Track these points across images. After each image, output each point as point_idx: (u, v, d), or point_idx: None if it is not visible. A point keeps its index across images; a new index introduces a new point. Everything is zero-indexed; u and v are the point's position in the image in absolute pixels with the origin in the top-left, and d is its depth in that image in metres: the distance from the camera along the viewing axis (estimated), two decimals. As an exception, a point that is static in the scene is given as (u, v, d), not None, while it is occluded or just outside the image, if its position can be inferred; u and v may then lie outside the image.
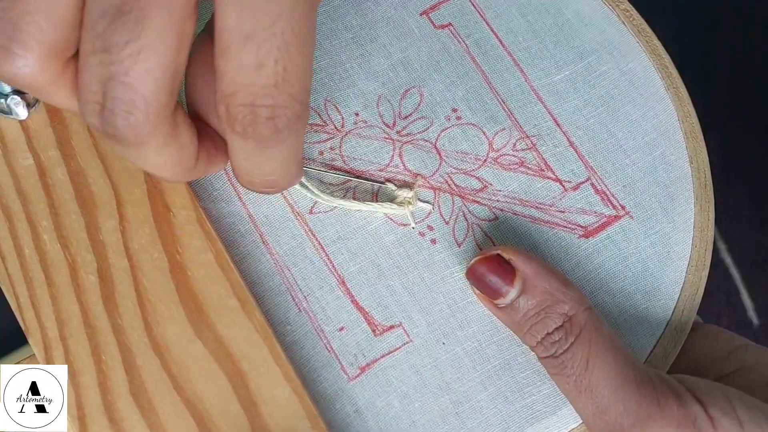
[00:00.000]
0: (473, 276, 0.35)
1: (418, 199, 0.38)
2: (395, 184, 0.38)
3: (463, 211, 0.37)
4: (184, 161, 0.28)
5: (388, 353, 0.35)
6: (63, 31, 0.25)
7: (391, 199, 0.37)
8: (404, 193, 0.37)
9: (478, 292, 0.35)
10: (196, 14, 0.26)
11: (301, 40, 0.26)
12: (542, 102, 0.39)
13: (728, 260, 0.72)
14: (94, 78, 0.25)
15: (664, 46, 0.40)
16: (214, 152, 0.30)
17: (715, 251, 0.71)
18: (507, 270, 0.34)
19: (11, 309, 0.34)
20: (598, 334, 0.33)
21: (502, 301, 0.34)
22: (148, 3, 0.24)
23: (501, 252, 0.34)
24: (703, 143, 0.39)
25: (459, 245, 0.37)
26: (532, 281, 0.34)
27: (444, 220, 0.37)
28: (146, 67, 0.24)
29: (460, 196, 0.38)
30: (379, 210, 0.37)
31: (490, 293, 0.34)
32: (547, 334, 0.33)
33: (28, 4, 0.25)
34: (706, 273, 0.37)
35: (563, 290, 0.33)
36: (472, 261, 0.35)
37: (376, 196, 0.38)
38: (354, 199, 0.37)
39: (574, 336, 0.33)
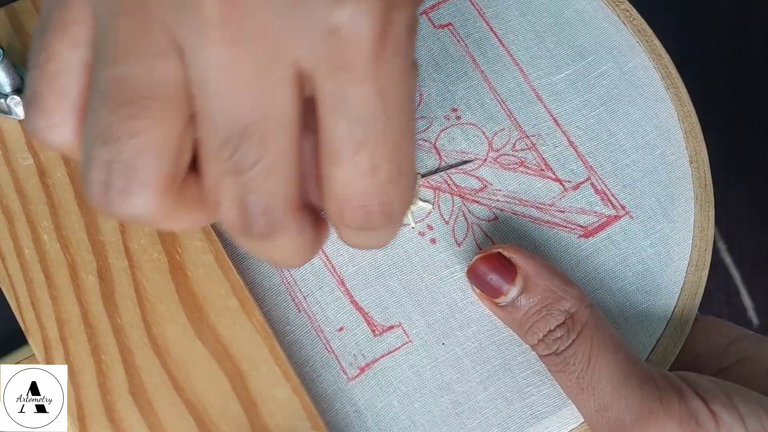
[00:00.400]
0: (474, 275, 0.35)
1: (419, 199, 0.38)
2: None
3: (463, 211, 0.37)
4: (312, 245, 0.29)
5: (388, 353, 0.35)
6: (176, 161, 0.25)
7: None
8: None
9: (478, 291, 0.35)
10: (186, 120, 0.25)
11: (408, 138, 0.26)
12: (542, 102, 0.39)
13: (728, 260, 0.72)
14: (229, 195, 0.25)
15: (664, 45, 0.40)
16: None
17: (715, 251, 0.71)
18: (508, 268, 0.34)
19: (11, 309, 0.34)
20: (599, 331, 0.33)
21: (503, 300, 0.34)
22: (265, 125, 0.24)
23: (502, 250, 0.34)
24: (703, 143, 0.39)
25: (459, 245, 0.37)
26: (533, 279, 0.34)
27: (444, 219, 0.37)
28: (276, 179, 0.25)
29: (459, 195, 0.38)
30: None
31: (491, 292, 0.34)
32: (549, 331, 0.33)
33: (140, 141, 0.25)
34: (706, 273, 0.37)
35: (565, 288, 0.34)
36: (473, 259, 0.35)
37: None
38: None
39: (576, 333, 0.33)
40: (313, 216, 0.29)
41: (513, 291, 0.34)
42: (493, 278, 0.34)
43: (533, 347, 0.34)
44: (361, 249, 0.32)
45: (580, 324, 0.33)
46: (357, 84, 0.24)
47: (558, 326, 0.33)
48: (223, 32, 0.23)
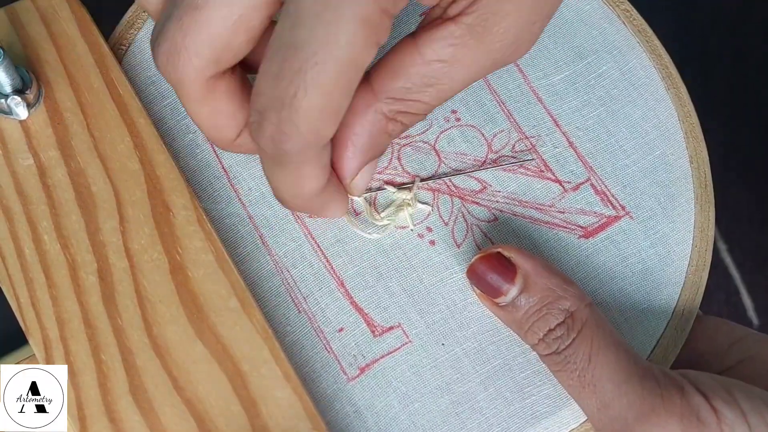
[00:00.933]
0: (473, 274, 0.35)
1: (418, 201, 0.38)
2: (394, 186, 0.38)
3: (462, 212, 0.37)
4: (220, 129, 0.32)
5: (388, 354, 0.35)
6: (230, 47, 0.29)
7: (390, 202, 0.37)
8: (403, 195, 0.37)
9: (478, 291, 0.35)
10: (364, 67, 0.28)
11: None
12: (542, 102, 0.39)
13: (728, 260, 0.72)
14: (265, 95, 0.28)
15: (664, 45, 0.40)
16: (335, 193, 0.34)
17: (715, 251, 0.71)
18: (508, 268, 0.34)
19: (11, 309, 0.34)
20: (599, 329, 0.33)
21: (502, 300, 0.34)
22: (322, 49, 0.26)
23: (501, 250, 0.34)
24: (703, 143, 0.39)
25: (458, 246, 0.37)
26: (533, 278, 0.34)
27: (443, 221, 0.37)
28: (305, 111, 0.27)
29: (459, 197, 0.38)
30: (388, 222, 0.37)
31: (490, 292, 0.35)
32: (549, 330, 0.33)
33: (208, 17, 0.28)
34: (706, 273, 0.37)
35: (564, 287, 0.34)
36: (473, 259, 0.35)
37: (375, 198, 0.38)
38: (352, 201, 0.37)
39: (576, 331, 0.33)
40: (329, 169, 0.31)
41: (513, 290, 0.34)
42: (493, 278, 0.34)
43: (534, 347, 0.34)
44: (278, 197, 0.33)
45: (580, 322, 0.33)
46: None
47: (558, 325, 0.33)
48: None
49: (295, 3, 0.26)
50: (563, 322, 0.33)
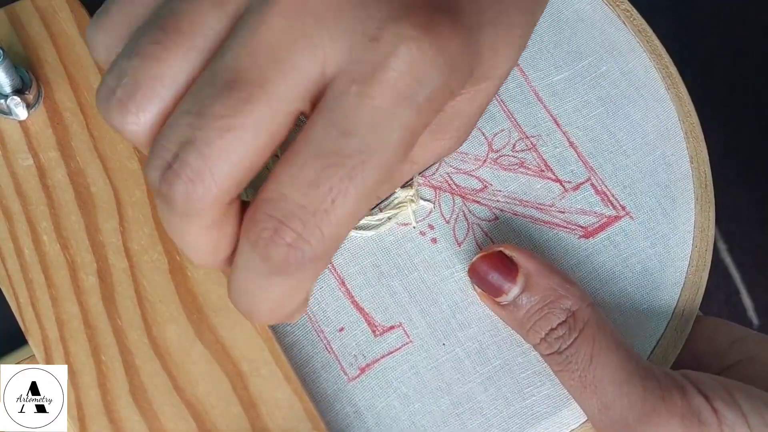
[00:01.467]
0: (475, 273, 0.35)
1: (420, 198, 0.38)
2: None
3: (463, 211, 0.37)
4: (218, 251, 0.28)
5: (388, 354, 0.35)
6: (177, 98, 0.26)
7: (393, 199, 0.37)
8: (405, 192, 0.37)
9: (479, 290, 0.35)
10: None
11: (368, 190, 0.25)
12: (542, 102, 0.39)
13: (728, 260, 0.72)
14: (174, 135, 0.25)
15: (664, 45, 0.40)
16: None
17: (715, 251, 0.71)
18: (509, 267, 0.34)
19: (11, 309, 0.34)
20: (601, 329, 0.33)
21: (504, 299, 0.34)
22: (259, 91, 0.25)
23: (503, 249, 0.34)
24: (703, 143, 0.39)
25: (459, 245, 0.37)
26: (534, 278, 0.34)
27: (444, 219, 0.37)
28: (229, 147, 0.25)
29: (460, 195, 0.38)
30: (386, 217, 0.37)
31: (492, 291, 0.35)
32: (551, 329, 0.33)
33: (157, 69, 0.26)
34: (706, 273, 0.37)
35: (566, 286, 0.34)
36: (474, 258, 0.35)
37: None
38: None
39: (578, 331, 0.33)
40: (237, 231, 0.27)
41: (514, 290, 0.34)
42: (494, 277, 0.34)
43: (535, 347, 0.34)
44: (241, 307, 0.28)
45: (581, 322, 0.33)
46: (367, 99, 0.24)
47: (559, 324, 0.33)
48: (286, 5, 0.25)
49: (342, 111, 0.25)
50: (565, 321, 0.33)
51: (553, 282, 0.34)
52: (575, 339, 0.33)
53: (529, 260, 0.34)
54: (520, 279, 0.34)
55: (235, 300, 0.28)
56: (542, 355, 0.34)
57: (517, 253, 0.34)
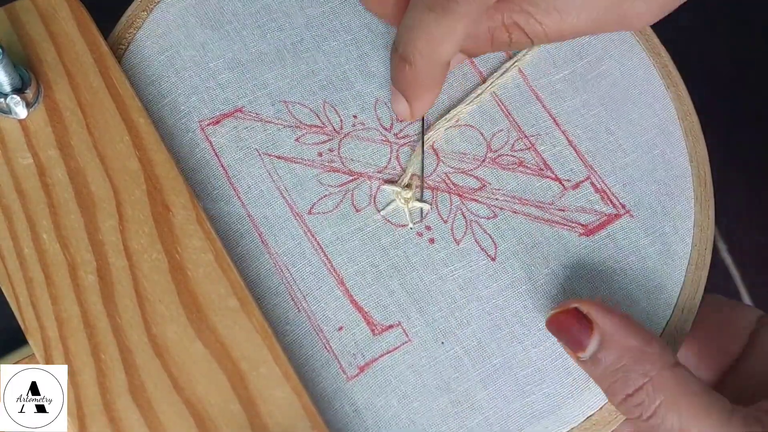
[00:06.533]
0: (551, 329, 0.34)
1: (416, 200, 0.38)
2: (393, 185, 0.38)
3: (461, 209, 0.37)
4: (449, 49, 0.34)
5: (387, 353, 0.35)
6: None
7: (390, 201, 0.37)
8: (403, 194, 0.37)
9: (561, 343, 0.34)
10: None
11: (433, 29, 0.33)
12: (541, 101, 0.39)
13: (728, 260, 0.72)
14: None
15: (664, 44, 0.40)
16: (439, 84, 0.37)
17: (715, 251, 0.71)
18: (584, 324, 0.33)
19: (11, 309, 0.34)
20: (687, 398, 0.31)
21: (583, 355, 0.33)
22: None
23: (579, 306, 0.33)
24: (702, 142, 0.39)
25: (458, 243, 0.37)
26: (610, 336, 0.32)
27: (442, 219, 0.37)
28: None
29: (458, 194, 0.38)
30: (380, 215, 0.37)
31: (570, 346, 0.33)
32: (628, 395, 0.32)
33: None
34: (706, 272, 0.37)
35: (644, 348, 0.32)
36: (550, 313, 0.34)
37: (374, 198, 0.38)
38: (352, 200, 0.37)
39: (659, 400, 0.31)
40: None
41: (590, 348, 0.33)
42: (570, 334, 0.33)
43: (617, 408, 0.33)
44: (406, 50, 0.34)
45: (661, 390, 0.31)
46: None
47: (636, 390, 0.31)
48: None
49: None
50: (642, 387, 0.31)
51: (629, 343, 0.32)
52: (657, 408, 0.31)
53: (605, 316, 0.33)
54: (595, 337, 0.32)
55: (398, 36, 0.34)
56: (627, 419, 0.33)
57: (594, 310, 0.33)
